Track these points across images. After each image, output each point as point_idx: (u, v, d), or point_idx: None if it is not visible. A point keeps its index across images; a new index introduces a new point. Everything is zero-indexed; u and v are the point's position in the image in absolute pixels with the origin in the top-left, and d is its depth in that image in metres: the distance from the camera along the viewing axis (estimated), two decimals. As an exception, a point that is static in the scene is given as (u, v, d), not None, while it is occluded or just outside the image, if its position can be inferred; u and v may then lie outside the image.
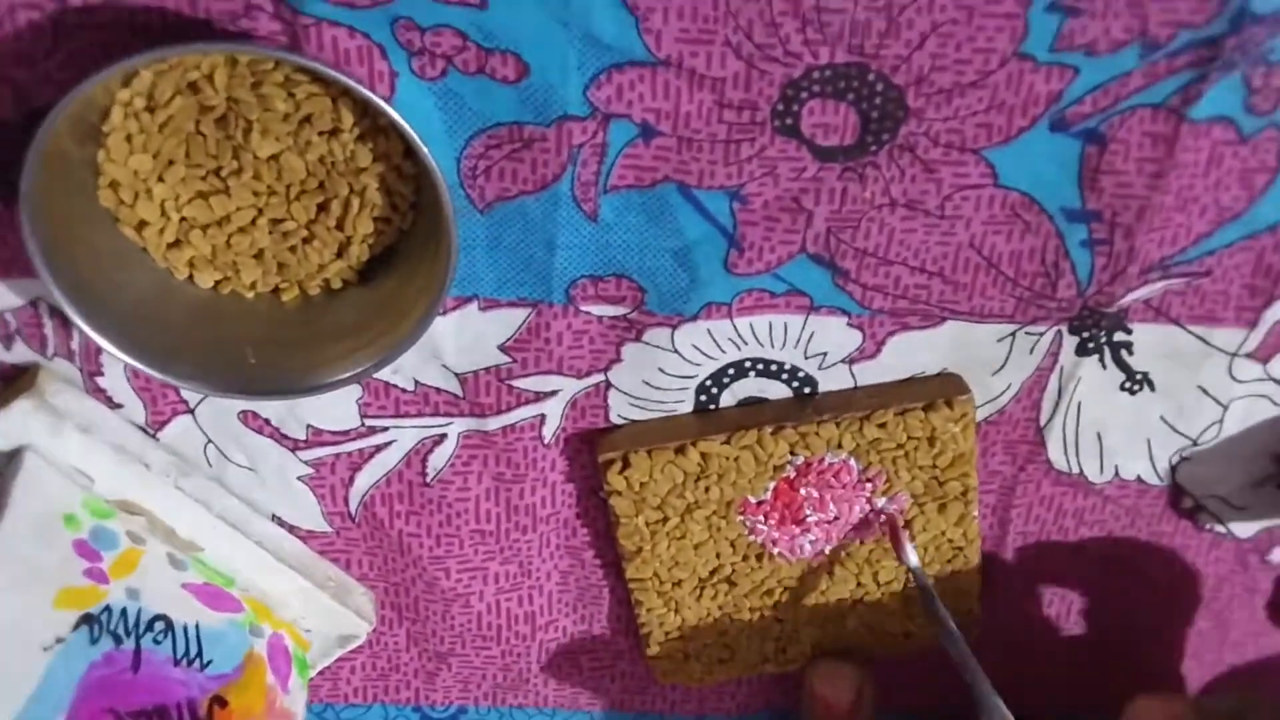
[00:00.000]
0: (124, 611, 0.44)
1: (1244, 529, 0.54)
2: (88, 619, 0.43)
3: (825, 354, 0.47)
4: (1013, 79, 0.40)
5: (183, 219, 0.41)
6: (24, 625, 0.41)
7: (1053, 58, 0.40)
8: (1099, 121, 0.41)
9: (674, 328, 0.45)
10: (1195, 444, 0.51)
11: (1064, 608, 0.56)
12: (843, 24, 0.39)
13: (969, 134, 0.42)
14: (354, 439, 0.48)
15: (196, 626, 0.46)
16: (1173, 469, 0.52)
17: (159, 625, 0.45)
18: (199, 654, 0.46)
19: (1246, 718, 0.42)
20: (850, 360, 0.47)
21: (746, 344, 0.46)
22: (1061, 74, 0.40)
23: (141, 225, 0.41)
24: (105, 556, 0.45)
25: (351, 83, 0.36)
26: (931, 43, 0.39)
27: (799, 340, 0.46)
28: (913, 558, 0.49)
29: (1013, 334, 0.47)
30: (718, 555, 0.51)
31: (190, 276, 0.42)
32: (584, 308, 0.45)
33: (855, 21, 0.39)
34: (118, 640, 0.43)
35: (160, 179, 0.40)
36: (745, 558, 0.51)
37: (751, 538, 0.50)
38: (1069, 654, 0.57)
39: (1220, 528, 0.54)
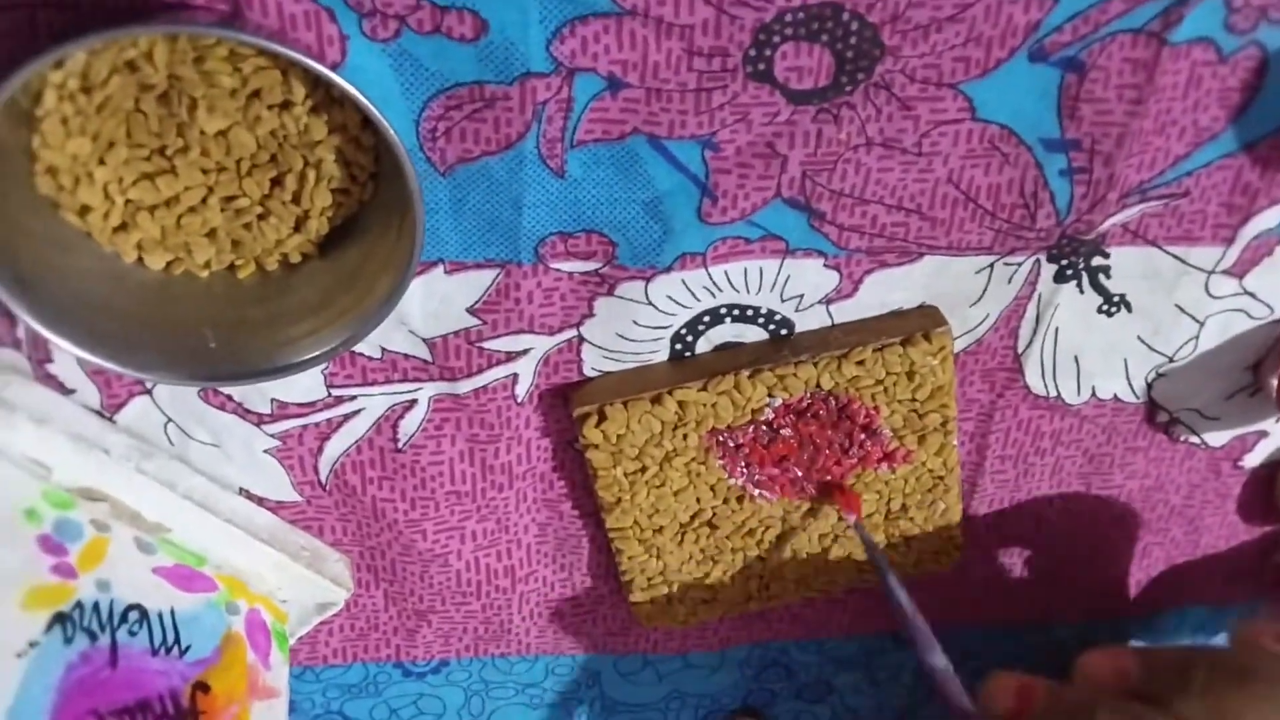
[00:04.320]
0: (96, 605, 0.42)
1: (1217, 438, 0.54)
2: (60, 618, 0.41)
3: (802, 296, 0.46)
4: (990, 11, 0.39)
5: (128, 201, 0.38)
6: (-6, 633, 0.39)
7: (1032, -13, 0.39)
8: (1078, 49, 0.40)
9: (647, 280, 0.44)
10: (1171, 360, 0.50)
11: (1043, 525, 0.56)
12: (816, -37, 0.37)
13: (946, 69, 0.40)
14: (321, 409, 0.46)
15: (172, 612, 0.45)
16: (1148, 386, 0.52)
17: (133, 615, 0.44)
18: (176, 640, 0.45)
19: (1192, 669, 0.43)
20: (827, 300, 0.46)
21: (721, 291, 0.45)
22: (1041, 3, 0.39)
23: (84, 210, 0.38)
24: (71, 549, 0.43)
25: (297, 55, 0.34)
26: (908, -23, 0.38)
27: (775, 284, 0.45)
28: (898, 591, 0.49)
29: (991, 265, 0.46)
30: (698, 500, 0.50)
31: (140, 259, 0.40)
32: (554, 265, 0.43)
33: (829, -40, 0.37)
34: (92, 637, 0.42)
35: (101, 161, 0.37)
36: (726, 500, 0.50)
37: (732, 481, 0.49)
38: (1050, 568, 0.57)
39: (1194, 438, 0.54)
